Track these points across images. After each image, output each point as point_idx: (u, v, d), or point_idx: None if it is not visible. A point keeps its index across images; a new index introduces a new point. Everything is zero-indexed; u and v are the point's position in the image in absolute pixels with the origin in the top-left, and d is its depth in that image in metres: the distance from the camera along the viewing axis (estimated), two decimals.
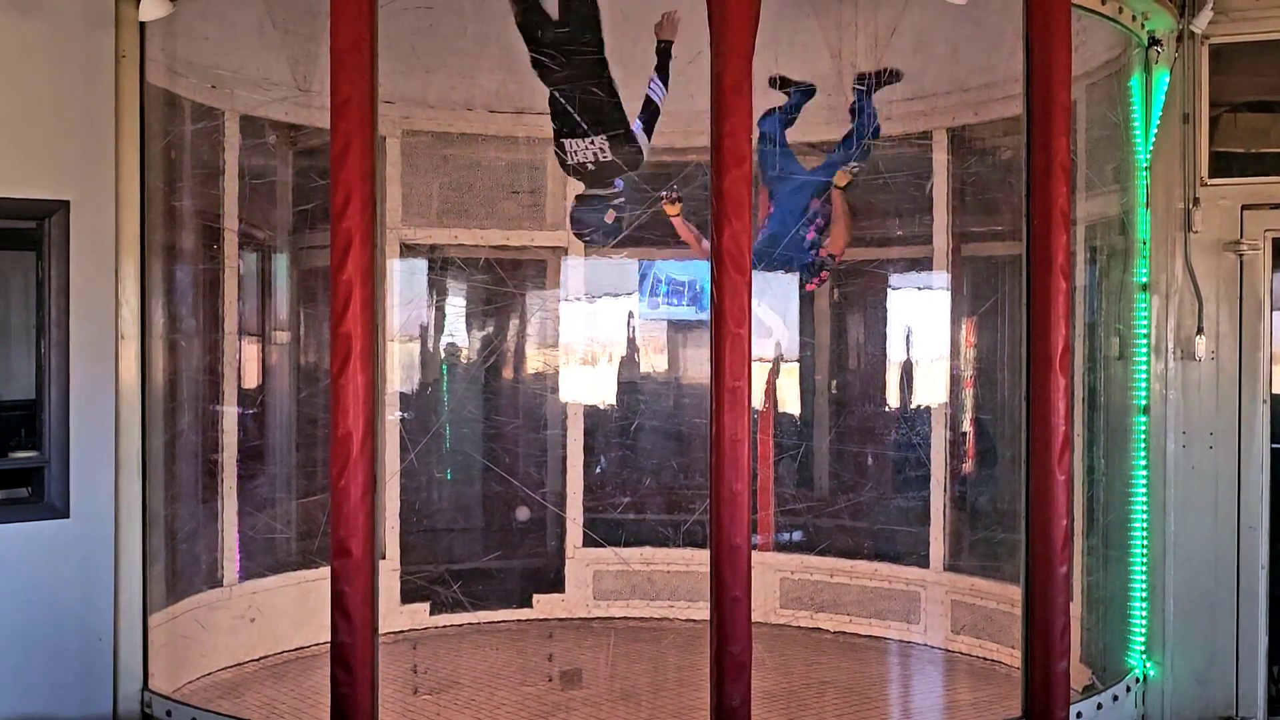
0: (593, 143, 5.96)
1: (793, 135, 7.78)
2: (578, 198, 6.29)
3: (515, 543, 8.16)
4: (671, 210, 6.87)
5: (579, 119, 5.90)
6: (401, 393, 7.81)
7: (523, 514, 8.08)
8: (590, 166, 6.02)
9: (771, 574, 7.87)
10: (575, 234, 6.55)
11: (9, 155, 5.75)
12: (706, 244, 6.35)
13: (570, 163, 6.09)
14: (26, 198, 5.80)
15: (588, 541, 8.15)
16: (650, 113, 6.11)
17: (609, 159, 5.99)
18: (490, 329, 8.29)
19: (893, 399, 7.93)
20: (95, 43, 5.93)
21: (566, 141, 6.02)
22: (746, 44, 5.15)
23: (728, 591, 5.16)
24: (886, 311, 8.01)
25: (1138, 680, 6.56)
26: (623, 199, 6.19)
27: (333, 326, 5.25)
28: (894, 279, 7.98)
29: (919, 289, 7.83)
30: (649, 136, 6.10)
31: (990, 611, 7.17)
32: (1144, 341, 6.64)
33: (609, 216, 6.21)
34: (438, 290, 8.07)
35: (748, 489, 5.20)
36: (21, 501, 5.91)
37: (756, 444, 7.67)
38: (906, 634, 7.63)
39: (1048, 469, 5.66)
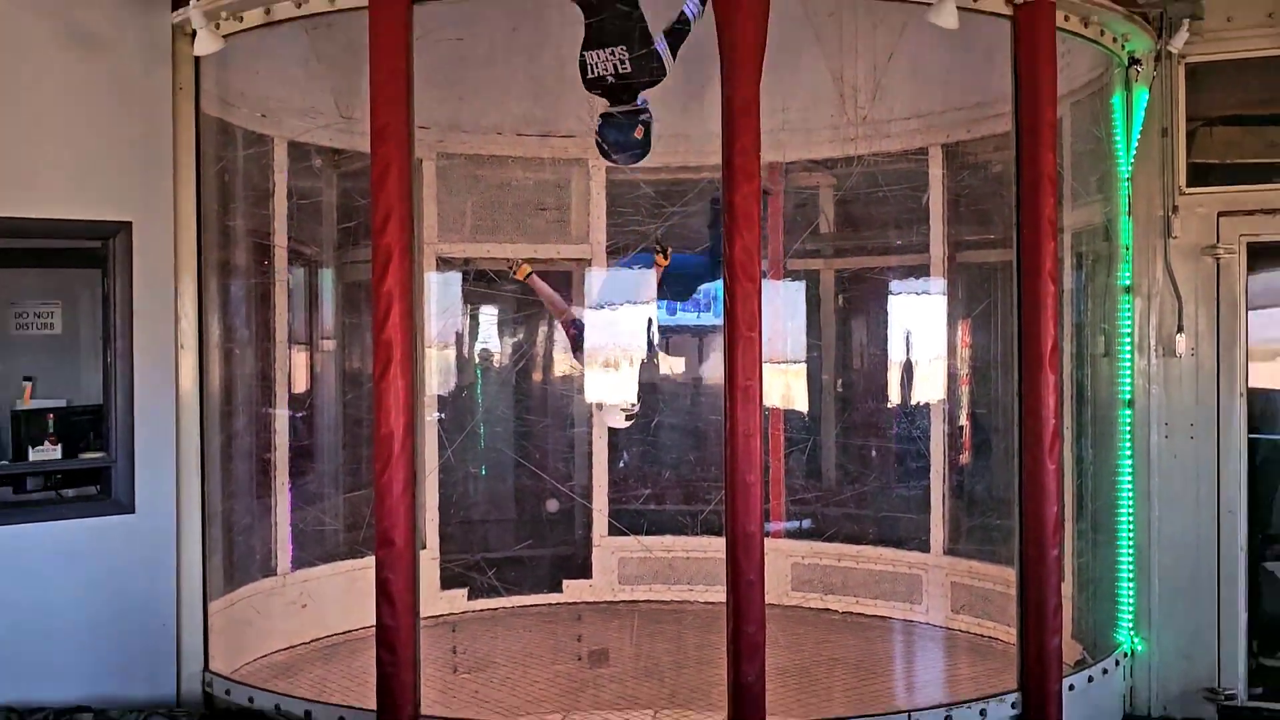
0: (614, 54, 5.31)
1: (797, 152, 7.88)
2: (602, 115, 5.44)
3: (545, 532, 8.20)
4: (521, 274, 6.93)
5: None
6: (439, 395, 7.82)
7: (552, 506, 8.11)
8: (610, 79, 5.33)
9: (783, 559, 7.86)
10: (602, 155, 5.57)
11: (76, 181, 5.80)
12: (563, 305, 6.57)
13: (590, 76, 5.40)
14: (92, 219, 5.85)
15: (612, 530, 8.14)
16: (679, 31, 5.41)
17: (628, 71, 5.30)
18: (520, 335, 8.32)
19: (894, 396, 7.91)
20: (154, 76, 5.98)
21: (587, 55, 5.36)
22: (754, 69, 5.16)
23: (743, 575, 5.17)
24: (887, 315, 7.99)
25: (1126, 655, 6.55)
26: (649, 115, 5.39)
27: (375, 334, 5.29)
28: (894, 285, 7.96)
29: (917, 294, 7.81)
30: (674, 55, 5.39)
31: (987, 592, 7.16)
32: (1128, 340, 6.63)
33: (638, 132, 5.40)
34: (471, 300, 8.08)
35: (760, 480, 5.20)
36: (91, 498, 5.97)
37: (768, 438, 7.66)
38: (909, 614, 7.62)
39: (1039, 459, 5.68)
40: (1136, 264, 6.62)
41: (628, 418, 6.96)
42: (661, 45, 5.32)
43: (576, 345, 6.67)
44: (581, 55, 5.38)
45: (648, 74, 5.32)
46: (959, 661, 7.03)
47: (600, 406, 6.69)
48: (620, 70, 5.30)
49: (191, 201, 6.13)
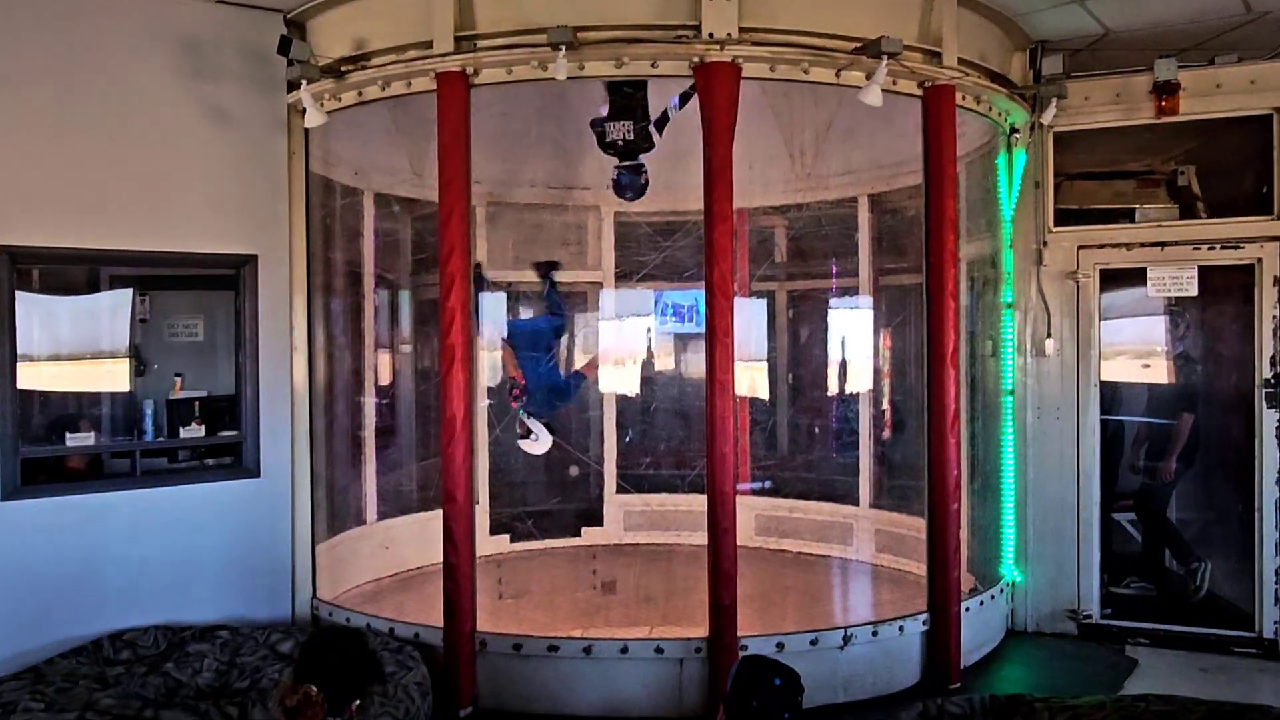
0: (624, 126, 5.79)
1: (759, 200, 7.87)
2: (617, 168, 5.95)
3: (569, 491, 8.14)
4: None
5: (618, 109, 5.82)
6: (489, 386, 7.75)
7: (574, 471, 8.07)
8: (620, 144, 5.82)
9: (749, 511, 7.85)
10: (617, 193, 6.04)
11: (217, 223, 5.80)
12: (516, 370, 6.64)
13: (606, 140, 5.88)
14: (228, 253, 5.85)
15: (620, 489, 8.15)
16: (663, 120, 5.84)
17: (632, 139, 5.80)
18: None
19: (832, 387, 7.88)
20: (274, 144, 5.99)
21: (607, 124, 5.85)
22: (728, 138, 5.20)
23: (719, 524, 5.21)
24: (827, 325, 7.97)
25: (1008, 584, 6.57)
26: (645, 168, 5.91)
27: (441, 339, 5.32)
28: (832, 301, 7.95)
29: (850, 309, 7.79)
30: (660, 134, 5.87)
31: (903, 536, 7.16)
32: (1009, 343, 6.64)
33: (643, 179, 5.95)
34: (513, 314, 8.06)
35: (732, 451, 5.24)
36: (227, 466, 5.95)
37: (738, 419, 7.67)
38: (844, 553, 7.61)
39: (943, 435, 5.70)
40: (1016, 285, 6.63)
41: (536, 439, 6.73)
42: (653, 127, 5.80)
43: (519, 393, 6.62)
44: (603, 124, 5.83)
45: (644, 143, 5.81)
46: (882, 590, 7.04)
47: (535, 437, 6.56)
48: (627, 138, 5.80)
49: (302, 239, 6.12)
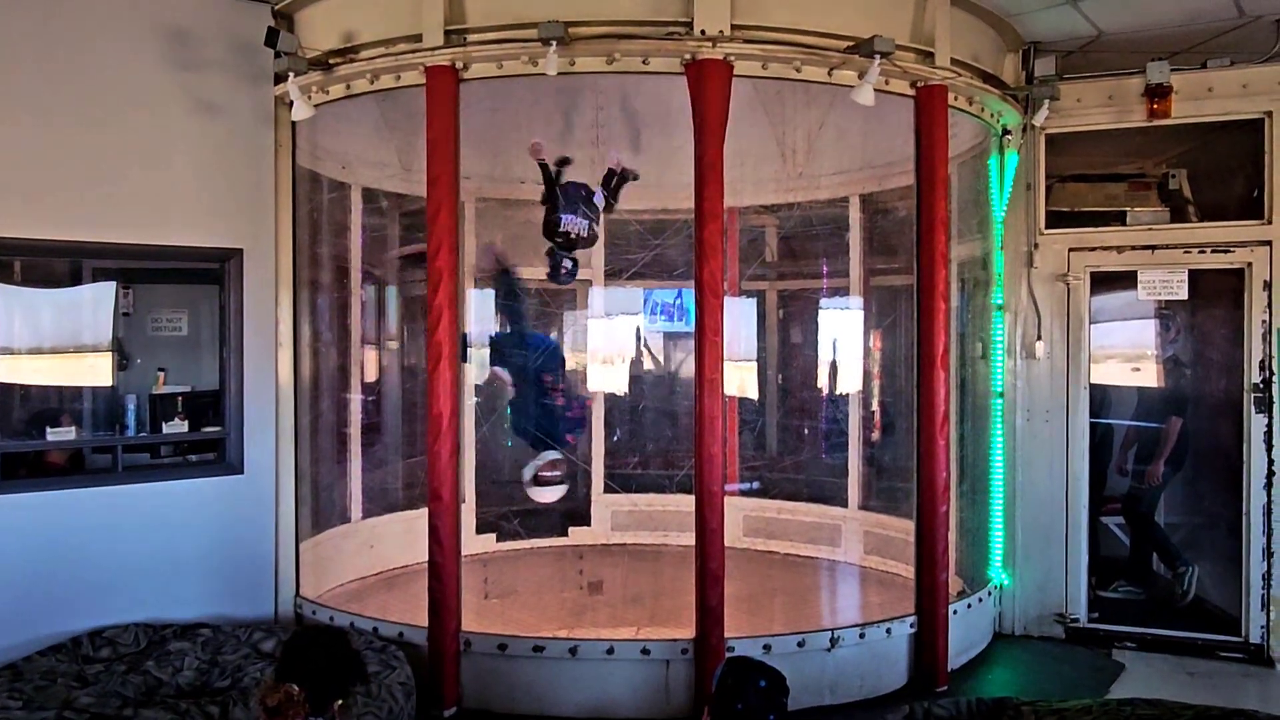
0: (577, 223, 5.79)
1: (750, 199, 7.86)
2: (562, 255, 5.89)
3: None
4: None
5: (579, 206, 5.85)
6: (476, 385, 7.65)
7: None
8: (573, 236, 5.78)
9: (737, 512, 7.81)
10: (552, 277, 5.99)
11: (202, 216, 5.77)
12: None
13: (561, 229, 5.79)
14: (213, 246, 5.83)
15: (607, 489, 8.12)
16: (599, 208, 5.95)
17: (584, 235, 5.82)
18: None
19: (822, 387, 7.89)
20: (261, 136, 5.96)
21: (563, 217, 5.81)
22: (719, 134, 5.20)
23: (707, 524, 5.21)
24: (817, 325, 7.96)
25: (996, 587, 6.58)
26: (574, 260, 5.91)
27: (428, 336, 5.31)
28: (823, 302, 7.95)
29: (840, 309, 7.80)
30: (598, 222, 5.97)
31: (891, 538, 7.16)
32: (1000, 346, 6.65)
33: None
34: (502, 311, 8.04)
35: (721, 451, 5.24)
36: (210, 463, 5.93)
37: (727, 419, 7.66)
38: (832, 555, 7.61)
39: (932, 436, 5.71)
40: (1007, 287, 6.64)
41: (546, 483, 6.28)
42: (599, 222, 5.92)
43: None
44: (559, 215, 5.79)
45: (590, 238, 5.89)
46: (870, 592, 7.04)
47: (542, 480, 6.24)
48: (582, 234, 5.81)
49: (288, 233, 6.09)
